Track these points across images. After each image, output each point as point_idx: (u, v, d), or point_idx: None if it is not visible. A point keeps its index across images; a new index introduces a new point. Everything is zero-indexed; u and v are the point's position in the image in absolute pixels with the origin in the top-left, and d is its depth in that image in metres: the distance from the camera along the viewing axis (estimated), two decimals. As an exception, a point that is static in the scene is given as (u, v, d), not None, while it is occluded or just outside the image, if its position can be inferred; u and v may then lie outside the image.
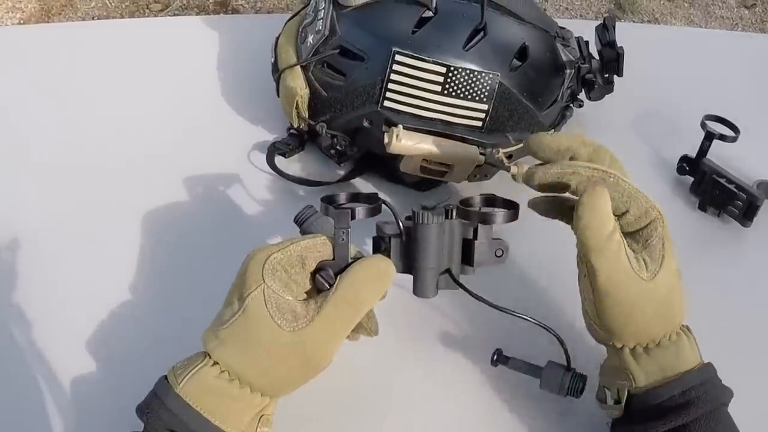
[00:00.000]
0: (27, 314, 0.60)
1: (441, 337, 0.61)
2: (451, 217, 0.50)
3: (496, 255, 0.51)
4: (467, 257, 0.51)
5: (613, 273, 0.47)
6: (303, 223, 0.53)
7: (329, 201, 0.51)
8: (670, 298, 0.48)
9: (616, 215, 0.49)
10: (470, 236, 0.51)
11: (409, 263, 0.51)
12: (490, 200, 0.53)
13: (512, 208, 0.51)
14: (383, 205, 0.50)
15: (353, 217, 0.48)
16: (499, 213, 0.50)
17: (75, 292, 0.62)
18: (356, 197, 0.53)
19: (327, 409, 0.55)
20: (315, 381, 0.49)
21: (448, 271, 0.51)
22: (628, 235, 0.49)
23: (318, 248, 0.48)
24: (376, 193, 0.52)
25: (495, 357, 0.54)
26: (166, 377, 0.47)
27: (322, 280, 0.48)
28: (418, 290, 0.51)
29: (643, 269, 0.47)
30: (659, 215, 0.48)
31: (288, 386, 0.48)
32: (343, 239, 0.48)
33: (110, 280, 0.63)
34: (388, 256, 0.50)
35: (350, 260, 0.48)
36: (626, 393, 0.49)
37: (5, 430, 0.54)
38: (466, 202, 0.52)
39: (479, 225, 0.50)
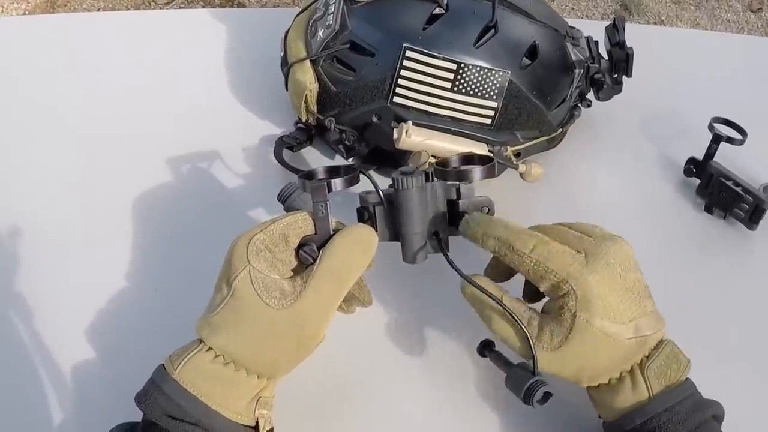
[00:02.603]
0: (24, 303, 0.60)
1: (432, 314, 0.61)
2: (432, 180, 0.50)
3: (481, 213, 0.51)
4: (453, 218, 0.51)
5: (508, 339, 0.49)
6: (286, 200, 0.54)
7: (307, 177, 0.51)
8: (586, 363, 0.48)
9: (534, 281, 0.50)
10: (454, 197, 0.51)
11: (395, 231, 0.51)
12: (467, 158, 0.53)
13: (488, 162, 0.50)
14: (362, 175, 0.50)
15: (330, 190, 0.48)
16: (476, 169, 0.50)
17: (74, 281, 0.62)
18: (335, 170, 0.53)
19: (311, 393, 0.55)
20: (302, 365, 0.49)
21: (435, 234, 0.51)
22: (550, 302, 0.49)
23: (299, 224, 0.49)
24: (353, 165, 0.52)
25: (481, 345, 0.54)
26: (163, 365, 0.47)
27: (306, 255, 0.48)
28: (407, 257, 0.51)
29: (545, 342, 0.47)
30: (571, 290, 0.47)
31: (283, 366, 0.49)
32: (322, 212, 0.48)
33: (111, 270, 0.63)
34: (374, 225, 0.50)
35: (332, 232, 0.49)
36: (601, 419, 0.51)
37: (6, 418, 0.54)
38: (443, 164, 0.52)
39: (461, 184, 0.50)
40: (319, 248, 0.48)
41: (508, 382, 0.50)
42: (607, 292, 0.47)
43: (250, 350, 0.46)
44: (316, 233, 0.49)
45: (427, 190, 0.50)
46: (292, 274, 0.49)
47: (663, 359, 0.48)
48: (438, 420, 0.55)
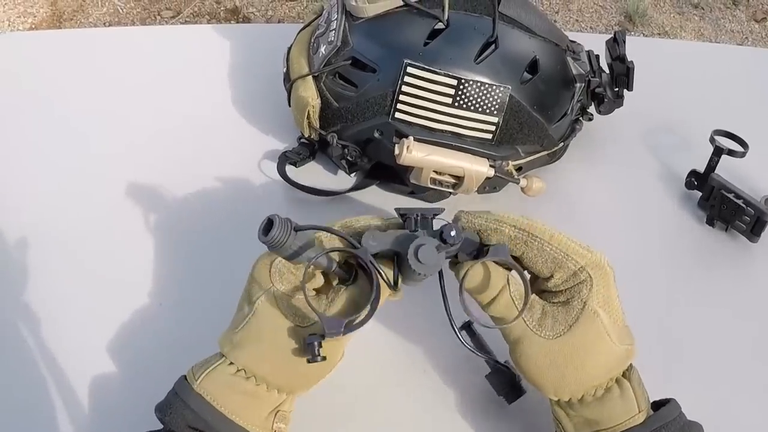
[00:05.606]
0: (35, 315, 0.61)
1: (425, 318, 0.60)
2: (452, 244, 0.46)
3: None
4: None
5: (510, 328, 0.47)
6: (274, 247, 0.46)
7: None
8: (580, 360, 0.46)
9: (541, 278, 0.49)
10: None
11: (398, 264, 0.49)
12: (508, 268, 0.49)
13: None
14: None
15: (348, 326, 0.45)
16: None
17: (93, 294, 0.63)
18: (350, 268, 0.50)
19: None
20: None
21: (440, 273, 0.49)
22: (555, 294, 0.48)
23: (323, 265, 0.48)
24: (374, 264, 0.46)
25: (465, 324, 0.54)
26: (185, 377, 0.48)
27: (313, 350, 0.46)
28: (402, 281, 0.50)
29: (546, 328, 0.47)
30: (589, 278, 0.46)
31: (301, 381, 0.49)
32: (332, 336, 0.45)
33: (125, 284, 0.63)
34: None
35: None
36: None
37: (25, 430, 0.55)
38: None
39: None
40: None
41: (490, 376, 0.54)
42: (613, 292, 0.47)
43: (271, 366, 0.47)
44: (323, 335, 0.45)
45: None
46: (314, 292, 0.50)
47: (637, 374, 0.48)
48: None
